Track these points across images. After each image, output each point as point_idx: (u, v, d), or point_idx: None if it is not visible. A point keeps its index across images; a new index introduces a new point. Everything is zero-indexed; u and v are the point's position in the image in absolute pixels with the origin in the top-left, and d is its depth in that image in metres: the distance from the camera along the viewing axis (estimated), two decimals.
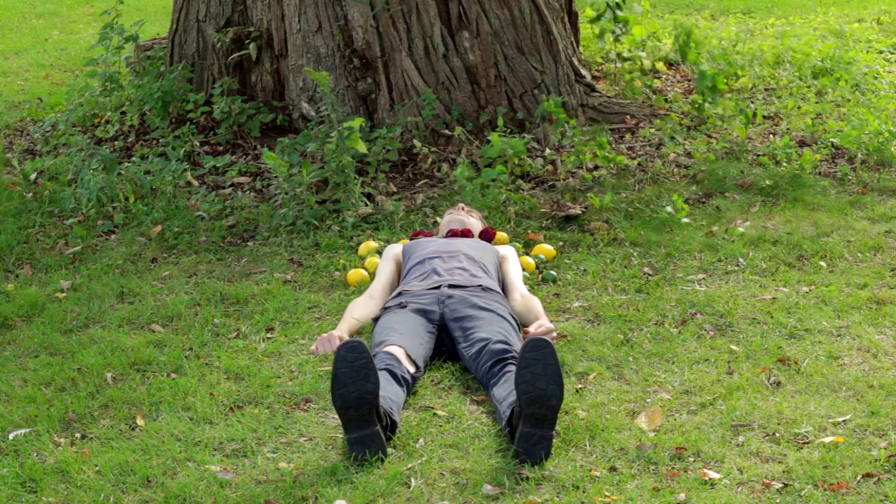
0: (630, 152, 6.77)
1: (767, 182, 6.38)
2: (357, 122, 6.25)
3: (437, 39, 6.83)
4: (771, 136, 7.09)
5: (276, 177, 6.36)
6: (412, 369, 4.32)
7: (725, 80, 7.79)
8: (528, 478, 3.73)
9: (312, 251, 5.82)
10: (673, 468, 3.77)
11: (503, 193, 6.15)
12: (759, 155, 6.75)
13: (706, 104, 7.21)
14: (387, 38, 6.86)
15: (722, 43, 8.91)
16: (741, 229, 5.84)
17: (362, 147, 6.26)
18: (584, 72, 7.36)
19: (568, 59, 7.19)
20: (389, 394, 4.07)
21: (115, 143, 7.27)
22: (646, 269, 5.46)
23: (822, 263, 5.48)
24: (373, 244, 5.74)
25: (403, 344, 4.40)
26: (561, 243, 5.78)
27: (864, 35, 9.52)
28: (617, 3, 7.86)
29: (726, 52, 8.57)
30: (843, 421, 4.04)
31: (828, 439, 3.91)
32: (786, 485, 3.66)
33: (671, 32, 9.13)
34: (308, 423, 4.14)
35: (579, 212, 6.04)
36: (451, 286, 4.77)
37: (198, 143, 7.02)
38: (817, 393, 4.26)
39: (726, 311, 4.96)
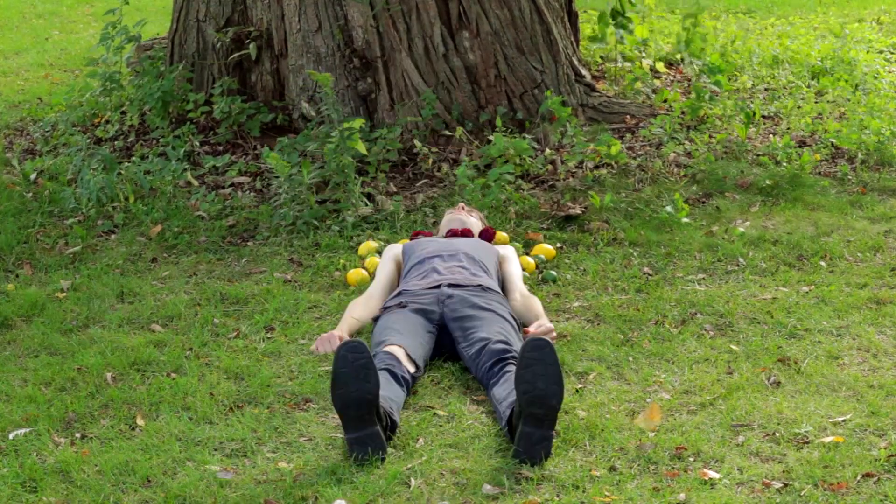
0: (630, 152, 6.77)
1: (767, 182, 6.38)
2: (358, 123, 6.25)
3: (437, 39, 6.83)
4: (771, 136, 7.09)
5: (276, 177, 6.36)
6: (412, 369, 4.32)
7: (728, 77, 7.78)
8: (528, 478, 3.73)
9: (312, 251, 5.82)
10: (673, 468, 3.77)
11: (505, 193, 6.15)
12: (759, 155, 6.74)
13: (705, 97, 7.18)
14: (387, 37, 6.85)
15: (719, 39, 8.91)
16: (741, 229, 5.84)
17: (362, 148, 6.26)
18: (584, 72, 7.36)
19: (568, 59, 7.18)
20: (389, 394, 4.07)
21: (115, 143, 7.27)
22: (646, 269, 5.46)
23: (822, 263, 5.48)
24: (373, 244, 5.73)
25: (403, 344, 4.40)
26: (560, 244, 5.78)
27: (864, 35, 9.52)
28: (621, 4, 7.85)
29: (725, 50, 8.57)
30: (843, 421, 4.04)
31: (828, 439, 3.91)
32: (786, 485, 3.66)
33: (670, 32, 9.13)
34: (308, 423, 4.14)
35: (579, 212, 6.03)
36: (450, 285, 4.77)
37: (198, 143, 7.02)
38: (817, 393, 4.26)
39: (726, 311, 4.95)
